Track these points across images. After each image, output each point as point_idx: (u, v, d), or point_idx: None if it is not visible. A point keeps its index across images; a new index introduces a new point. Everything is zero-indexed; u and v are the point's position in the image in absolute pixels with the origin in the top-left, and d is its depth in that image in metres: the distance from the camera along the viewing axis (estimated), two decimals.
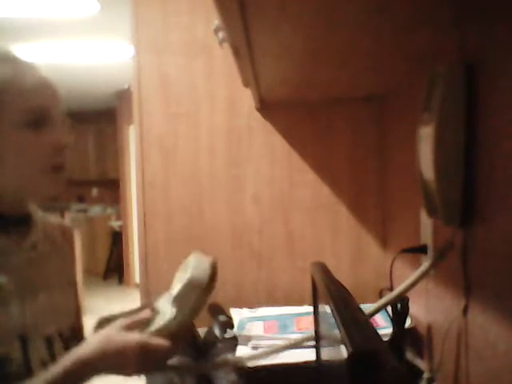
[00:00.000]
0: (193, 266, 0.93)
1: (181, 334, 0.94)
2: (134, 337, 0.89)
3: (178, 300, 0.92)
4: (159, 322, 0.93)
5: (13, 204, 0.95)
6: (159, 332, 0.91)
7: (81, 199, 8.31)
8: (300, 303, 1.55)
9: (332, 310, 0.68)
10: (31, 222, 0.98)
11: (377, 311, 1.06)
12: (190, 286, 0.92)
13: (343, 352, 0.55)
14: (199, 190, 1.71)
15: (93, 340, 0.88)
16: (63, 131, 0.94)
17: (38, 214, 1.02)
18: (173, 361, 1.24)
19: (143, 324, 0.93)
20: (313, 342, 1.09)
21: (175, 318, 0.92)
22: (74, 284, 1.09)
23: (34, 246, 0.97)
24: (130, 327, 0.91)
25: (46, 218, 1.05)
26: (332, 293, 0.76)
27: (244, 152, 1.71)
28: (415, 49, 1.02)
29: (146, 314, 0.95)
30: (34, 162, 0.90)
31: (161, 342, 0.90)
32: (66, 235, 1.09)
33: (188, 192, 1.71)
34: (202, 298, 0.93)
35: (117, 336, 0.88)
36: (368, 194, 1.71)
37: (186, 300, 0.92)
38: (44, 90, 0.92)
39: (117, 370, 0.88)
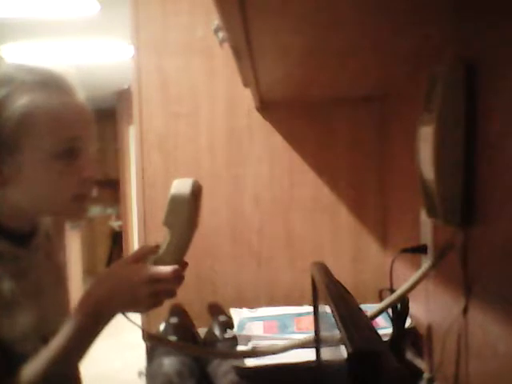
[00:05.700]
0: (173, 187, 0.92)
1: (183, 255, 0.91)
2: (130, 267, 0.87)
3: (167, 221, 0.91)
4: (159, 251, 0.91)
5: (28, 221, 0.95)
6: (160, 259, 0.89)
7: None
8: (300, 303, 1.55)
9: (332, 310, 0.68)
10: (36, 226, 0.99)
11: (378, 313, 1.06)
12: (173, 203, 0.91)
13: (343, 352, 0.55)
14: None
15: (91, 287, 0.87)
16: (90, 161, 0.92)
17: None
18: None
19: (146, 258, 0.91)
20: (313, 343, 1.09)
21: (171, 238, 0.90)
22: (67, 278, 1.09)
23: (39, 248, 0.97)
24: (132, 261, 0.89)
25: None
26: (332, 293, 0.76)
27: (244, 152, 1.70)
28: (415, 49, 1.02)
29: (145, 248, 0.93)
30: (57, 192, 0.89)
31: (158, 268, 0.87)
32: (58, 228, 1.10)
33: None
34: (191, 211, 0.91)
35: (111, 272, 0.88)
36: (368, 193, 1.70)
37: (175, 217, 0.90)
38: (80, 120, 0.90)
39: (125, 305, 0.87)
